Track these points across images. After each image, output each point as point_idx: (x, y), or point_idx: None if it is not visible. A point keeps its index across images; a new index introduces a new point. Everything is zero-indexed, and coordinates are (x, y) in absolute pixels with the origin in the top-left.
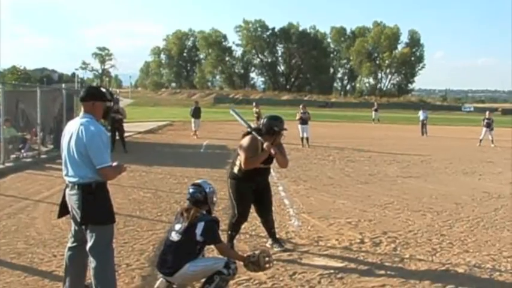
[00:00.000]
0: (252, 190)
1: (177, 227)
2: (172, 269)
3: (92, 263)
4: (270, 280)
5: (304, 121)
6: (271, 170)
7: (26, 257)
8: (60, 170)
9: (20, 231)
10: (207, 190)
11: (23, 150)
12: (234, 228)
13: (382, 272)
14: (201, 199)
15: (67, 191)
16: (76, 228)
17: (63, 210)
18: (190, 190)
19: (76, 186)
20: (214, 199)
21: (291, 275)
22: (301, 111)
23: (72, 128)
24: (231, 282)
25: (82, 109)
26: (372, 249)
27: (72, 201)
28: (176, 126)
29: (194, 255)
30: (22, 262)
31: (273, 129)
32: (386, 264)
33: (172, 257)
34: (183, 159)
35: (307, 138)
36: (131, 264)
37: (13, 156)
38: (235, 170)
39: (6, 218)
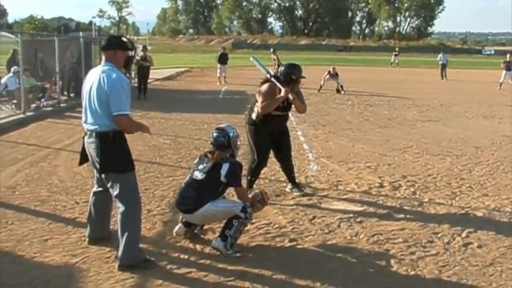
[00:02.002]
0: (271, 136)
1: (201, 166)
2: (193, 206)
3: (119, 208)
4: (289, 224)
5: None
6: (290, 116)
7: (49, 205)
8: (80, 118)
9: (43, 179)
10: (231, 134)
11: (42, 99)
12: (254, 173)
13: (401, 215)
14: (224, 143)
15: (85, 138)
16: (97, 175)
17: (83, 157)
18: (214, 134)
19: (94, 134)
20: (238, 143)
21: (310, 219)
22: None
23: (94, 76)
24: (251, 226)
25: (103, 58)
26: (391, 193)
27: (91, 149)
28: (194, 73)
29: (216, 195)
30: (46, 209)
31: (291, 77)
32: (406, 208)
33: (195, 194)
34: (202, 106)
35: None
36: (152, 210)
37: (33, 105)
38: (254, 116)
39: (29, 167)
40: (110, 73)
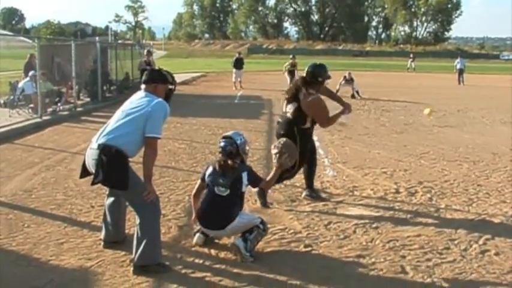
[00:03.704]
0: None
1: (221, 181)
2: (224, 222)
3: (136, 219)
4: (305, 230)
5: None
6: None
7: (65, 208)
8: (96, 122)
9: (59, 182)
10: (238, 142)
11: (59, 104)
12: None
13: (418, 222)
14: (233, 151)
15: (89, 147)
16: None
17: (85, 171)
18: (222, 144)
19: (97, 146)
20: (247, 148)
21: (326, 224)
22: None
23: (137, 96)
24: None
25: (143, 88)
26: (407, 199)
27: (90, 157)
28: (210, 77)
29: (241, 207)
30: (61, 213)
31: (317, 78)
32: (422, 214)
33: (224, 211)
34: (218, 110)
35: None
36: (167, 214)
37: (50, 109)
38: (303, 126)
39: (45, 170)
40: (155, 97)
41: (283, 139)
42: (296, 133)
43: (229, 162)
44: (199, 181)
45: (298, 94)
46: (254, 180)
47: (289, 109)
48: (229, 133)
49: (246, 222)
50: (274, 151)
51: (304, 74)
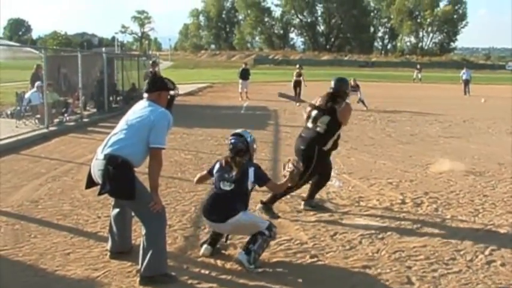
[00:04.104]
0: None
1: (226, 175)
2: (226, 214)
3: (142, 230)
4: (311, 240)
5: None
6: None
7: (71, 219)
8: (103, 133)
9: (65, 193)
10: (249, 139)
11: (66, 114)
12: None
13: (423, 232)
14: (243, 148)
15: (94, 158)
16: None
17: (90, 181)
18: (232, 140)
19: (103, 156)
20: (255, 146)
21: (332, 235)
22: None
23: (140, 106)
24: (272, 242)
25: (146, 97)
26: (413, 209)
27: (96, 168)
28: (216, 88)
29: (245, 204)
30: (68, 223)
31: (345, 91)
32: (428, 224)
33: (227, 204)
34: (224, 121)
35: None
36: (173, 225)
37: (56, 120)
38: (324, 147)
39: (52, 181)
40: (159, 107)
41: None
42: (316, 152)
43: (237, 159)
44: (205, 171)
45: (336, 106)
46: (261, 177)
47: (321, 123)
48: (238, 131)
49: (250, 222)
50: (289, 165)
51: (332, 90)
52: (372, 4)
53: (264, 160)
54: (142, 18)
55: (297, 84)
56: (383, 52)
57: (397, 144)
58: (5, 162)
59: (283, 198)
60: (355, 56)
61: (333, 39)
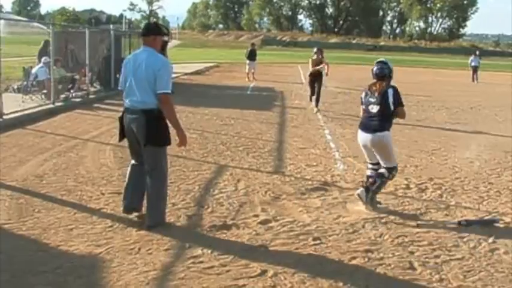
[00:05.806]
0: None
1: (372, 99)
2: (377, 128)
3: (149, 181)
4: (314, 223)
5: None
6: (318, 114)
7: (75, 194)
8: (109, 110)
9: (70, 169)
10: (391, 66)
11: (72, 90)
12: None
13: (427, 218)
14: (387, 73)
15: (127, 115)
16: (134, 149)
17: (123, 134)
18: (377, 67)
19: (140, 111)
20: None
21: (335, 218)
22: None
23: (139, 58)
24: (275, 223)
25: (142, 43)
26: (417, 195)
27: (134, 124)
28: (223, 68)
29: (390, 124)
30: (72, 199)
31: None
32: (432, 210)
33: (377, 122)
34: (230, 101)
35: None
36: (177, 203)
37: (63, 96)
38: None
39: (57, 156)
40: (158, 56)
41: None
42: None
43: (380, 83)
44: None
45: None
46: (397, 99)
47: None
48: (381, 59)
49: (389, 147)
50: None
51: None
52: None
53: (269, 141)
54: None
55: (315, 78)
56: (391, 36)
57: (403, 129)
58: (10, 136)
59: (287, 180)
60: (363, 39)
61: (341, 22)
